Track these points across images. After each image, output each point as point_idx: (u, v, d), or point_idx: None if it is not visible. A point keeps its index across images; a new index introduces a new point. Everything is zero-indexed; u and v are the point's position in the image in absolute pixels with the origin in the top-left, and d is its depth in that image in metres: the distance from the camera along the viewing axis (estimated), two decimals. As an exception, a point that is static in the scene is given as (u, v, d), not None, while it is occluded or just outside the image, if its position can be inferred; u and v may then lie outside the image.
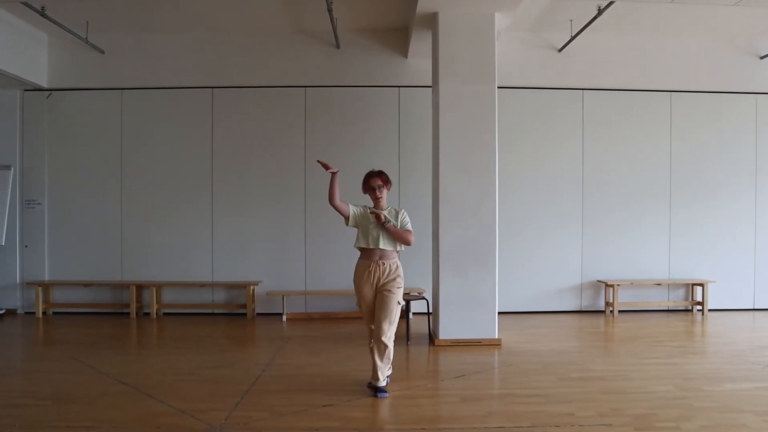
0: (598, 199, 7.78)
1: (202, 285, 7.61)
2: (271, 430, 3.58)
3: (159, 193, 7.71)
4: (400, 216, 4.36)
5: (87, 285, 7.62)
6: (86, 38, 7.05)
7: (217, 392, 4.32)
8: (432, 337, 6.13)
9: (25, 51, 7.23)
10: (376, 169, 4.48)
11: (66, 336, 6.58)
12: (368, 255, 4.32)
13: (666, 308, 7.88)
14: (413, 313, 6.81)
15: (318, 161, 4.36)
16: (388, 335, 4.24)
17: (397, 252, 4.37)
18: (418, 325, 6.57)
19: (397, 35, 7.60)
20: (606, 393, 4.27)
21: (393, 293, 4.25)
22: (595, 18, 6.33)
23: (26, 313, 7.70)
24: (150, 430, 3.59)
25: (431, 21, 6.12)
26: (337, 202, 4.27)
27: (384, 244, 4.27)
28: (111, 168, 7.71)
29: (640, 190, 7.81)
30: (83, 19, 6.92)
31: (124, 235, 7.71)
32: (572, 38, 7.09)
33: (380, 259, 4.29)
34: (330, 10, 6.06)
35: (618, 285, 7.56)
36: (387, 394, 4.21)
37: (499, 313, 5.99)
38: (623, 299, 7.69)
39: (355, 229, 4.40)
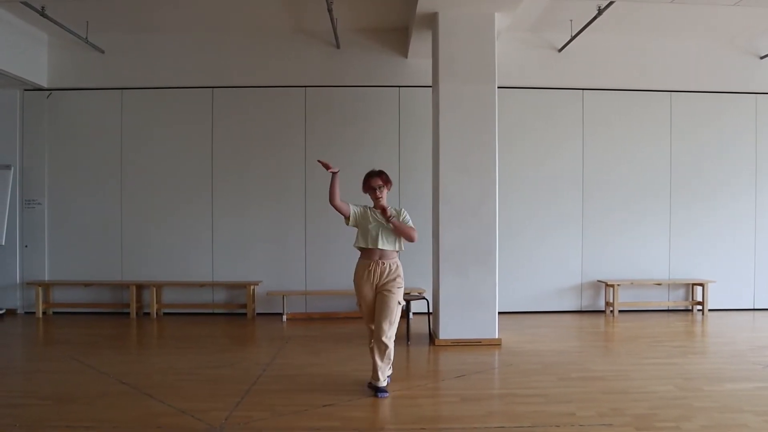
0: (598, 199, 7.79)
1: (203, 285, 7.61)
2: (272, 430, 3.58)
3: (159, 193, 7.70)
4: (401, 215, 4.36)
5: (87, 285, 7.62)
6: (86, 38, 7.05)
7: (217, 392, 4.32)
8: (432, 337, 6.13)
9: (25, 51, 7.23)
10: (377, 168, 4.48)
11: (66, 336, 6.58)
12: (368, 255, 4.32)
13: (666, 308, 7.88)
14: (413, 313, 6.81)
15: (318, 161, 4.35)
16: (389, 335, 4.24)
17: (397, 252, 4.37)
18: (419, 325, 6.57)
19: (397, 35, 7.60)
20: (606, 393, 4.27)
21: (393, 293, 4.25)
22: (595, 18, 6.33)
23: (26, 313, 7.70)
24: (150, 430, 3.59)
25: (431, 21, 6.12)
26: (338, 201, 4.27)
27: (383, 243, 4.27)
28: (111, 168, 7.71)
29: (640, 190, 7.81)
30: (83, 18, 6.92)
31: (124, 235, 7.71)
32: (572, 38, 7.09)
33: (380, 258, 4.29)
34: (330, 10, 6.06)
35: (618, 285, 7.57)
36: (387, 394, 4.21)
37: (499, 313, 6.00)
38: (623, 299, 7.69)
39: (355, 229, 4.40)
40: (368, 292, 4.31)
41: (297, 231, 7.66)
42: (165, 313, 7.66)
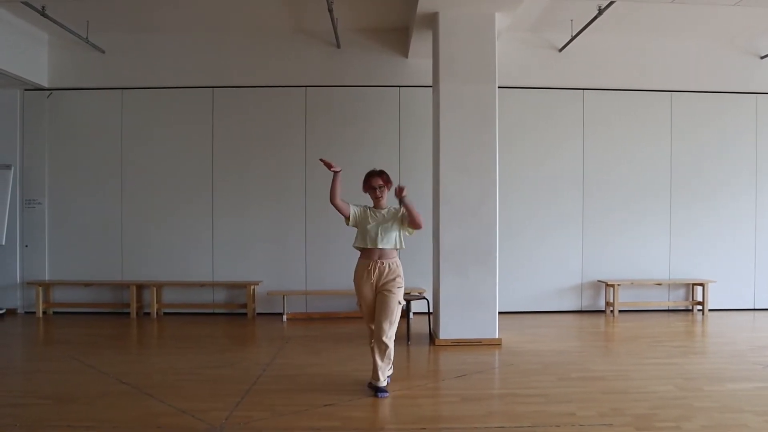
0: (598, 199, 7.79)
1: (203, 285, 7.61)
2: (272, 430, 3.58)
3: (159, 193, 7.70)
4: (400, 213, 4.36)
5: (87, 285, 7.62)
6: (87, 38, 7.06)
7: (217, 392, 4.32)
8: (432, 336, 6.13)
9: (25, 51, 7.23)
10: (377, 168, 4.48)
11: (66, 336, 6.58)
12: (368, 255, 4.32)
13: (666, 308, 7.88)
14: (414, 313, 6.81)
15: (321, 159, 4.34)
16: (389, 335, 4.23)
17: (397, 250, 4.37)
18: (419, 325, 6.57)
19: (397, 35, 7.60)
20: (606, 393, 4.27)
21: (393, 293, 4.25)
22: (595, 18, 6.33)
23: (26, 312, 7.70)
24: (150, 430, 3.59)
25: (432, 21, 6.12)
26: (338, 201, 4.27)
27: (383, 243, 4.27)
28: (111, 168, 7.71)
29: (640, 190, 7.81)
30: (83, 18, 6.92)
31: (125, 234, 7.71)
32: (573, 38, 7.09)
33: (380, 258, 4.29)
34: (330, 10, 6.06)
35: (618, 285, 7.57)
36: (387, 394, 4.21)
37: (499, 313, 6.00)
38: (623, 299, 7.69)
39: (355, 229, 4.40)
40: (368, 292, 4.31)
41: (297, 231, 7.66)
42: (165, 313, 7.66)
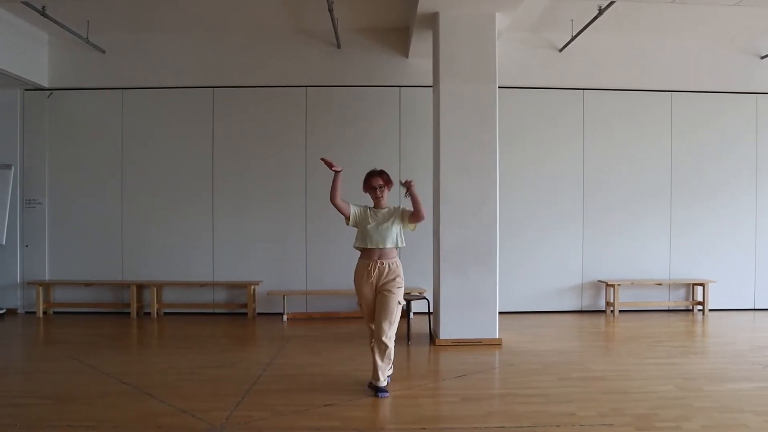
0: (598, 199, 7.79)
1: (203, 285, 7.61)
2: (272, 430, 3.58)
3: (159, 193, 7.71)
4: (399, 210, 4.37)
5: (87, 285, 7.63)
6: (87, 38, 7.06)
7: (218, 392, 4.32)
8: (433, 336, 6.13)
9: (25, 51, 7.23)
10: (378, 168, 4.48)
11: (66, 336, 6.58)
12: (367, 255, 4.32)
13: (666, 308, 7.88)
14: (414, 313, 6.82)
15: (322, 159, 4.34)
16: (389, 335, 4.24)
17: (398, 249, 4.37)
18: (419, 325, 6.57)
19: (397, 35, 7.60)
20: (607, 393, 4.27)
21: (393, 293, 4.25)
22: (595, 18, 6.33)
23: (27, 312, 7.71)
24: (151, 430, 3.59)
25: (432, 21, 6.12)
26: (339, 201, 4.27)
27: (383, 243, 4.27)
28: (111, 168, 7.72)
29: (641, 190, 7.81)
30: (84, 18, 6.92)
31: (125, 234, 7.72)
32: (573, 38, 7.09)
33: (379, 258, 4.29)
34: (331, 10, 6.06)
35: (618, 285, 7.57)
36: (388, 394, 4.21)
37: (499, 313, 6.00)
38: (624, 299, 7.69)
39: (355, 229, 4.40)
40: (368, 292, 4.31)
41: (297, 231, 7.66)
42: (165, 313, 7.66)
